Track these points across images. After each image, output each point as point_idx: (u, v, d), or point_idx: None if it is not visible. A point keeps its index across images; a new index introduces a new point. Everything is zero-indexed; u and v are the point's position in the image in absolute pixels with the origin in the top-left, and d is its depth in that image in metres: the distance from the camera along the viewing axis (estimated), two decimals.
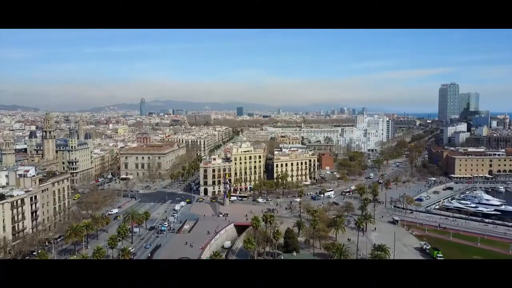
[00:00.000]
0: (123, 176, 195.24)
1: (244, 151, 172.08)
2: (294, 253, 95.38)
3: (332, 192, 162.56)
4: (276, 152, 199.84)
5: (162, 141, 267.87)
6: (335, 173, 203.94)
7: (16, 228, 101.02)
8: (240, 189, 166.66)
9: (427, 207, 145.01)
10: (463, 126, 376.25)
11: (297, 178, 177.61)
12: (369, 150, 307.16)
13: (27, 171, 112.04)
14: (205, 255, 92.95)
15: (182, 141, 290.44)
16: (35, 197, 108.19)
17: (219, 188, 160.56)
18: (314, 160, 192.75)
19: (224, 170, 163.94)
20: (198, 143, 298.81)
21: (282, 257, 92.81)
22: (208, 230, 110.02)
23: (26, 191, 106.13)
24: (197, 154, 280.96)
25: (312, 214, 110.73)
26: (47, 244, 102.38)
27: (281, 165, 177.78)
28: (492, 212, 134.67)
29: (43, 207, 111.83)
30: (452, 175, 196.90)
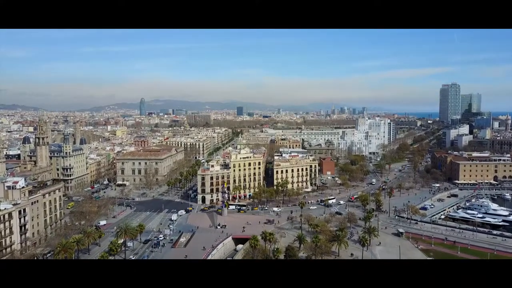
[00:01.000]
0: (120, 182, 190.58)
1: (243, 158, 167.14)
2: None
3: (334, 200, 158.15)
4: (276, 158, 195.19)
5: (160, 145, 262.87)
6: (336, 178, 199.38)
7: (4, 243, 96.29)
8: (239, 197, 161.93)
9: (432, 216, 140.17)
10: (465, 128, 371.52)
11: (298, 185, 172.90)
12: (370, 153, 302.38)
13: (16, 182, 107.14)
14: None
15: (181, 144, 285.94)
16: (24, 210, 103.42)
17: (217, 196, 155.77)
18: (315, 165, 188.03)
19: (223, 177, 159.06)
20: (197, 146, 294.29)
21: None
22: (204, 246, 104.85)
23: (14, 204, 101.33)
24: (195, 157, 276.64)
25: (313, 227, 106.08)
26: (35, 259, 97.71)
27: (281, 171, 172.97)
28: (500, 223, 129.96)
29: (32, 220, 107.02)
30: (456, 181, 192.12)
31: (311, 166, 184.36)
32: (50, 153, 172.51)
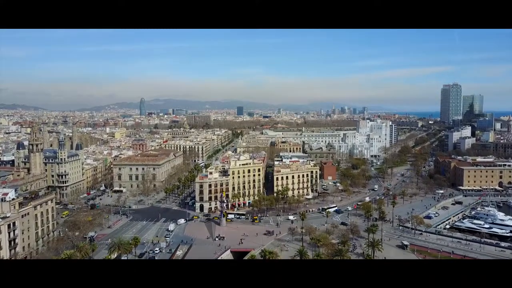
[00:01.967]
0: (116, 188, 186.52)
1: (242, 164, 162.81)
2: None
3: (336, 208, 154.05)
4: (276, 163, 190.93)
5: (159, 149, 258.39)
6: (338, 184, 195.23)
7: None
8: (238, 205, 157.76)
9: (437, 226, 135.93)
10: (467, 130, 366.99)
11: (299, 192, 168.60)
12: (372, 156, 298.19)
13: (6, 194, 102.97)
14: None
15: (180, 148, 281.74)
16: (14, 223, 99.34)
17: (215, 204, 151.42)
18: (316, 171, 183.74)
19: (221, 185, 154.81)
20: (196, 150, 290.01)
21: None
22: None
23: (3, 218, 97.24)
24: (195, 160, 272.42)
25: (315, 242, 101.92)
26: None
27: (282, 178, 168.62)
28: (508, 235, 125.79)
29: (23, 233, 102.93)
30: (461, 187, 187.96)
31: (312, 172, 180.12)
32: (45, 159, 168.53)
